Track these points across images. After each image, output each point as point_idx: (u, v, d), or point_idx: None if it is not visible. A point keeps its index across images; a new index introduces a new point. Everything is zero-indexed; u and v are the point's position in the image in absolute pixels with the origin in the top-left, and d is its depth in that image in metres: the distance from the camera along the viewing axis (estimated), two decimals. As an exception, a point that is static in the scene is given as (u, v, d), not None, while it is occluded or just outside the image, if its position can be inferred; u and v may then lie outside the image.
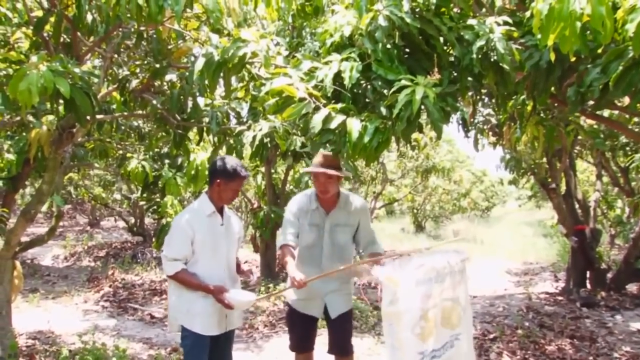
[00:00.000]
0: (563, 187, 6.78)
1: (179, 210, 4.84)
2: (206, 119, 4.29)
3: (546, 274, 9.03)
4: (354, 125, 2.36)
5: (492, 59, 2.49)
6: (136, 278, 7.80)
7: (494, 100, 4.20)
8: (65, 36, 3.62)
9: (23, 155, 4.40)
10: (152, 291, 7.04)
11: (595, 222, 7.08)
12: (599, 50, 2.39)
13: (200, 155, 4.71)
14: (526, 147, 5.75)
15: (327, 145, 2.54)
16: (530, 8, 2.31)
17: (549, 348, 4.49)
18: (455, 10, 2.74)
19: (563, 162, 6.23)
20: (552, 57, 2.23)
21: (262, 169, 7.53)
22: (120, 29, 3.66)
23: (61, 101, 2.75)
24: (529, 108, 3.82)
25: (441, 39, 2.53)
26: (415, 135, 7.81)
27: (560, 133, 4.50)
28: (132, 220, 11.83)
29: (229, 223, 2.96)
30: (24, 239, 4.39)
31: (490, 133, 6.23)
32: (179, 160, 5.12)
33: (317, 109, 2.47)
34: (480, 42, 2.44)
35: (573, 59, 2.37)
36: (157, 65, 3.79)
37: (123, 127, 5.40)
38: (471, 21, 2.56)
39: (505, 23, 2.53)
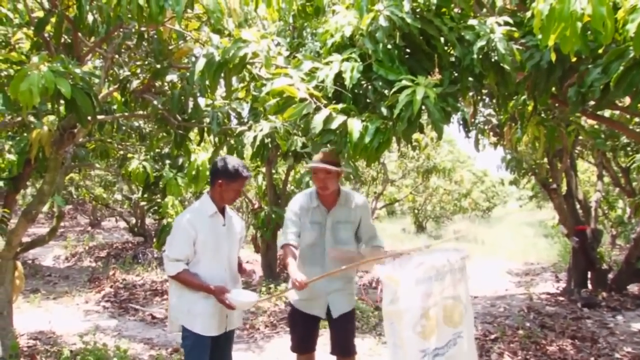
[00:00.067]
0: (564, 188, 6.77)
1: (179, 211, 4.85)
2: (207, 120, 4.30)
3: (547, 274, 9.02)
4: (355, 125, 2.37)
5: (492, 59, 2.50)
6: (137, 278, 7.80)
7: (494, 101, 4.20)
8: (66, 37, 3.63)
9: (24, 155, 4.41)
10: (153, 292, 7.04)
11: (596, 222, 7.06)
12: (600, 51, 2.40)
13: (201, 155, 4.72)
14: (527, 147, 5.74)
15: (328, 145, 2.55)
16: (531, 8, 2.31)
17: (550, 349, 4.48)
18: (456, 10, 2.74)
19: (564, 162, 6.22)
20: (553, 57, 2.24)
21: (263, 170, 7.55)
22: (121, 30, 3.66)
23: (62, 102, 2.76)
24: (530, 108, 3.82)
25: (442, 39, 2.54)
26: (416, 135, 7.82)
27: (561, 133, 4.50)
28: (133, 220, 11.83)
29: (230, 223, 2.96)
30: (25, 239, 4.40)
31: (491, 133, 6.23)
32: (180, 160, 5.13)
33: (318, 109, 2.47)
34: (481, 43, 2.45)
35: (574, 59, 2.38)
36: (158, 66, 3.80)
37: (124, 128, 5.41)
38: (472, 21, 2.57)
39: (506, 23, 2.53)
